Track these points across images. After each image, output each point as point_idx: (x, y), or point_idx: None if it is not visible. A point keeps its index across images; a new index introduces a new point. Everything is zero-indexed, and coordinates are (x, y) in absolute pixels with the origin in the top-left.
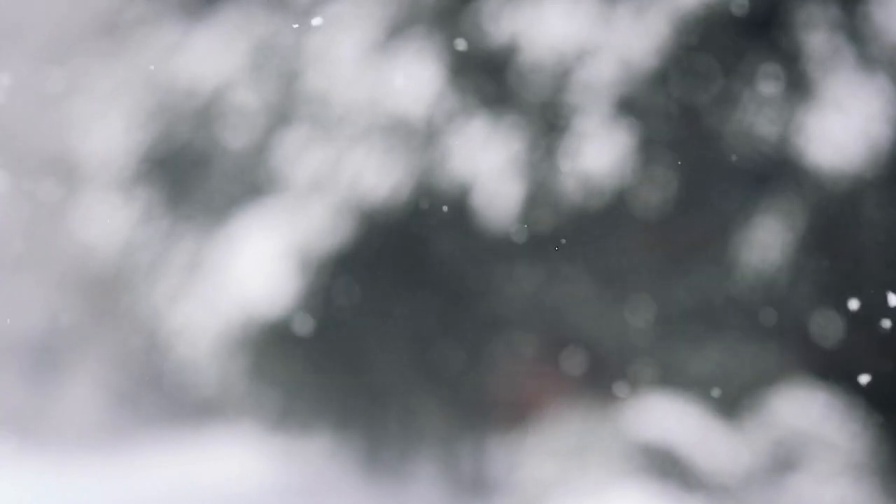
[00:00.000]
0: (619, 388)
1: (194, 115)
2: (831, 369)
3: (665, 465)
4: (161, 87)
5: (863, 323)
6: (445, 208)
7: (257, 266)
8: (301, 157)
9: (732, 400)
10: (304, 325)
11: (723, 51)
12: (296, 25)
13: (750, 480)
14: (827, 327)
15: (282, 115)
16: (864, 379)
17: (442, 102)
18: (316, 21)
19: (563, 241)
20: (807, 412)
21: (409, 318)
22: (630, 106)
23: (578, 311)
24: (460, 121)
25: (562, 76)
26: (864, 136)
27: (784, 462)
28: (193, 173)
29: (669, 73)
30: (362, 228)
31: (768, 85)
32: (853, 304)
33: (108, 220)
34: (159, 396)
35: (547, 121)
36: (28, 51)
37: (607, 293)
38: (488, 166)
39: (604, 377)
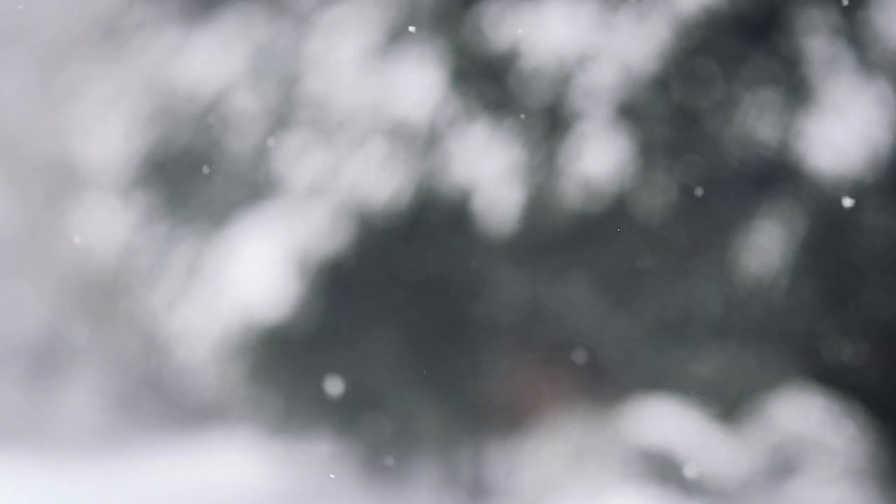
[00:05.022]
0: (619, 393)
1: (194, 119)
2: (830, 374)
3: (664, 469)
4: (161, 91)
5: (862, 328)
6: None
7: (256, 270)
8: (301, 161)
9: (732, 404)
10: (303, 330)
11: (723, 55)
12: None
13: (749, 485)
14: (826, 332)
15: (281, 119)
16: (862, 384)
17: (443, 107)
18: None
19: (562, 246)
20: (806, 417)
21: (408, 322)
22: (631, 111)
23: (578, 316)
24: (461, 126)
25: (562, 81)
26: (863, 140)
27: (783, 466)
28: (193, 177)
29: (670, 77)
30: (362, 233)
31: (768, 90)
32: (852, 309)
33: (108, 223)
34: (158, 401)
35: (548, 126)
36: (28, 55)
37: (607, 298)
38: (489, 171)
39: (603, 382)
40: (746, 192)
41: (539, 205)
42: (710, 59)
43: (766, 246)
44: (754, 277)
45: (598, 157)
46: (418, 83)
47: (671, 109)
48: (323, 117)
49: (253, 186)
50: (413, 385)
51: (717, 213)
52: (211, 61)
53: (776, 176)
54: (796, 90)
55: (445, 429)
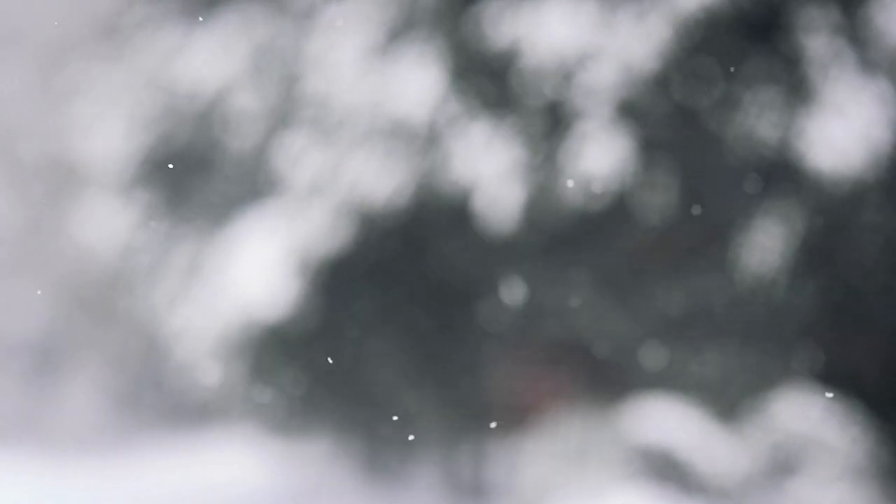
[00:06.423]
0: (619, 393)
1: (194, 118)
2: (830, 374)
3: (664, 468)
4: (161, 90)
5: (862, 328)
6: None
7: (257, 269)
8: (301, 160)
9: (732, 404)
10: (303, 329)
11: (724, 54)
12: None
13: (749, 484)
14: (826, 332)
15: (282, 118)
16: (862, 384)
17: (443, 106)
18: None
19: (563, 245)
20: (806, 416)
21: (408, 321)
22: (631, 109)
23: (579, 315)
24: (461, 124)
25: (563, 80)
26: (864, 139)
27: (783, 465)
28: (193, 176)
29: (670, 76)
30: (362, 232)
31: (769, 89)
32: (852, 309)
33: (108, 222)
34: (159, 399)
35: (548, 125)
36: (29, 54)
37: (607, 297)
38: (489, 170)
39: (603, 381)
40: (747, 191)
41: (539, 204)
42: (711, 58)
43: (767, 245)
44: (754, 277)
45: (599, 157)
46: (418, 82)
47: (671, 109)
48: (323, 117)
49: (253, 186)
50: (413, 385)
51: (717, 211)
52: (211, 60)
53: (777, 175)
54: (797, 89)
55: (445, 427)
